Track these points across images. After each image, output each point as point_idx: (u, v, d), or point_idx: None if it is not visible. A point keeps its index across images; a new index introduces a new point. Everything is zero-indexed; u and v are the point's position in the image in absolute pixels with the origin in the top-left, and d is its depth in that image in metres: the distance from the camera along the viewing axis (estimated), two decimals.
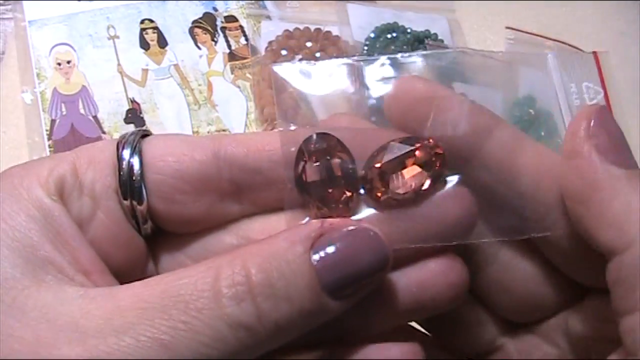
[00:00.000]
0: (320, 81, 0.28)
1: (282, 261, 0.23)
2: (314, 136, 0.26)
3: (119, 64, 0.67)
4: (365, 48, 0.68)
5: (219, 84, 0.68)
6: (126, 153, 0.26)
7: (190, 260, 0.27)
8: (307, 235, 0.24)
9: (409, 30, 0.69)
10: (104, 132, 0.64)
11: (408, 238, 0.25)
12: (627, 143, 0.25)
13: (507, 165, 0.26)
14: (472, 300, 0.30)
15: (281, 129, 0.27)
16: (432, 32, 0.70)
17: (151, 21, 0.70)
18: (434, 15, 0.71)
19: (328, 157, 0.26)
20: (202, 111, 0.66)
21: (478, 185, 0.27)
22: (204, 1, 0.71)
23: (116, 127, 0.65)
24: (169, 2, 0.71)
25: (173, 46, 0.69)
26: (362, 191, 0.26)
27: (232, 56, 0.69)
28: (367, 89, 0.28)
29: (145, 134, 0.27)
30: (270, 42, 0.69)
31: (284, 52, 0.68)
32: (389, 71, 0.28)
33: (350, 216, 0.26)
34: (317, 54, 0.68)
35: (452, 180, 0.26)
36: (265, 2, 0.72)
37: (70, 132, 0.64)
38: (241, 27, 0.71)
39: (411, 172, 0.26)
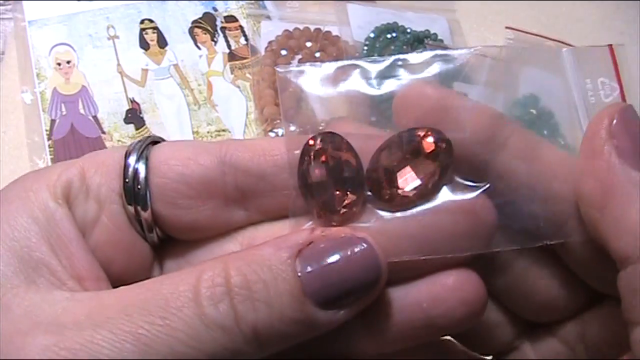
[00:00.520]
0: (323, 83, 0.27)
1: (263, 266, 0.23)
2: (320, 136, 0.25)
3: (118, 64, 0.67)
4: (365, 48, 0.68)
5: (218, 84, 0.68)
6: (132, 159, 0.26)
7: None
8: (295, 243, 0.23)
9: (408, 30, 0.69)
10: (103, 132, 0.64)
11: (418, 248, 0.25)
12: None
13: (523, 172, 0.25)
14: (490, 301, 0.29)
15: (285, 132, 0.27)
16: (432, 32, 0.70)
17: (151, 21, 0.70)
18: (434, 15, 0.71)
19: (333, 157, 0.25)
20: (202, 111, 0.66)
21: (494, 192, 0.26)
22: (203, 1, 0.71)
23: (116, 127, 0.65)
24: (168, 2, 0.71)
25: (173, 46, 0.69)
26: (369, 193, 0.25)
27: (232, 56, 0.69)
28: (370, 90, 0.27)
29: (155, 141, 0.27)
30: (270, 42, 0.69)
31: (283, 52, 0.68)
32: (392, 72, 0.28)
33: (356, 220, 0.25)
34: (317, 54, 0.68)
35: (473, 189, 0.25)
36: (265, 2, 0.72)
37: (70, 132, 0.64)
38: (241, 27, 0.71)
39: (418, 165, 0.25)
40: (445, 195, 0.25)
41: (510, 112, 0.29)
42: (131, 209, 0.26)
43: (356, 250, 0.23)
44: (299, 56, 0.68)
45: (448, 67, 0.29)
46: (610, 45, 0.27)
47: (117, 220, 0.26)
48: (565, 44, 0.67)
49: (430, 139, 0.25)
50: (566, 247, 0.27)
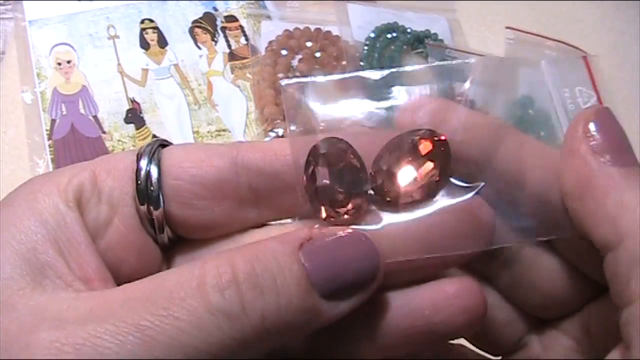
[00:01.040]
0: (329, 96, 0.28)
1: (270, 256, 0.23)
2: (325, 140, 0.26)
3: (119, 64, 0.68)
4: (365, 48, 0.68)
5: (219, 84, 0.68)
6: (144, 162, 0.26)
7: None
8: (296, 237, 0.24)
9: (409, 30, 0.69)
10: (104, 132, 0.64)
11: (422, 247, 0.25)
12: (629, 143, 0.25)
13: (517, 172, 0.27)
14: (499, 298, 0.30)
15: (288, 133, 0.27)
16: (432, 32, 0.70)
17: (151, 21, 0.70)
18: (434, 15, 0.71)
19: (338, 162, 0.25)
20: (202, 111, 0.66)
21: (491, 192, 0.27)
22: (204, 1, 0.71)
23: (116, 127, 0.65)
24: (169, 2, 0.71)
25: (173, 46, 0.69)
26: (371, 192, 0.26)
27: (232, 56, 0.69)
28: (373, 102, 0.28)
29: (164, 144, 0.27)
30: (270, 42, 0.69)
31: (284, 52, 0.68)
32: (394, 82, 0.28)
33: (361, 222, 0.26)
34: (317, 54, 0.68)
35: (469, 189, 0.26)
36: (265, 2, 0.72)
37: (70, 131, 0.64)
38: (241, 27, 0.71)
39: (418, 166, 0.26)
40: (444, 195, 0.26)
41: (511, 112, 0.29)
42: (144, 209, 0.26)
43: (354, 243, 0.24)
44: (299, 56, 0.68)
45: (448, 67, 0.29)
46: (584, 56, 0.29)
47: (130, 222, 0.26)
48: (566, 43, 0.67)
49: (429, 140, 0.26)
50: (562, 242, 0.28)
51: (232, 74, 0.68)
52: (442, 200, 0.26)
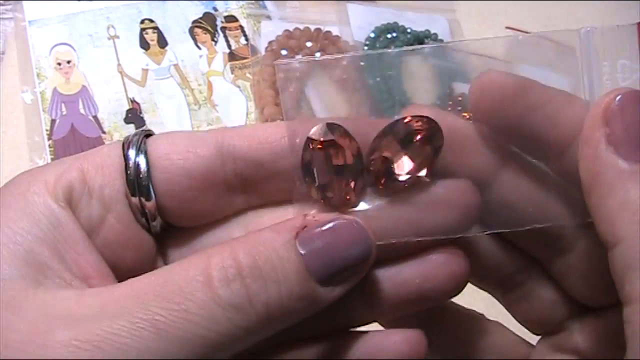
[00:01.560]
0: (323, 78, 0.28)
1: (269, 247, 0.24)
2: (322, 126, 0.26)
3: (119, 64, 0.68)
4: (365, 48, 0.68)
5: (219, 84, 0.68)
6: (132, 153, 0.26)
7: None
8: (292, 227, 0.25)
9: (409, 30, 0.69)
10: (104, 132, 0.64)
11: (412, 230, 0.26)
12: None
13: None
14: (547, 278, 0.30)
15: (285, 118, 0.28)
16: (432, 32, 0.70)
17: (151, 21, 0.70)
18: (434, 15, 0.72)
19: (335, 147, 0.26)
20: (202, 111, 0.66)
21: (485, 180, 0.27)
22: (204, 1, 0.71)
23: (116, 127, 0.65)
24: (169, 2, 0.71)
25: (173, 46, 0.69)
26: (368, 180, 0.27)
27: (232, 56, 0.69)
28: (369, 85, 0.28)
29: (149, 134, 0.28)
30: (270, 42, 0.69)
31: (284, 52, 0.68)
32: (390, 67, 0.28)
33: (356, 206, 0.27)
34: (317, 54, 0.68)
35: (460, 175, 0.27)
36: (265, 2, 0.72)
37: (70, 132, 0.64)
38: (241, 27, 0.71)
39: (411, 151, 0.26)
40: (436, 180, 0.27)
41: None
42: (136, 200, 0.26)
43: (347, 229, 0.25)
44: (299, 56, 0.68)
45: (448, 67, 0.29)
46: (639, 23, 0.26)
47: (124, 218, 0.27)
48: (565, 44, 0.67)
49: (420, 125, 0.26)
50: None
51: (232, 74, 0.68)
52: (434, 184, 0.27)
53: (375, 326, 0.29)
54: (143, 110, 0.66)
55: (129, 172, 0.26)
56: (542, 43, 0.29)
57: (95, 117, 0.65)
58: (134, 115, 0.65)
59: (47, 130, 0.64)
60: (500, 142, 0.27)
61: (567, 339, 0.30)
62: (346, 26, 0.69)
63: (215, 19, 0.71)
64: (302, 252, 0.24)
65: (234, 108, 0.67)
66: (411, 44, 0.69)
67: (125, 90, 0.66)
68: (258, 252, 0.24)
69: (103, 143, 0.64)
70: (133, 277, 0.24)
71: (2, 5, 0.69)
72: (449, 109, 0.28)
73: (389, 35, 0.69)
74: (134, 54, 0.68)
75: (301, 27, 0.69)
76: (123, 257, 0.27)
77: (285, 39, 0.69)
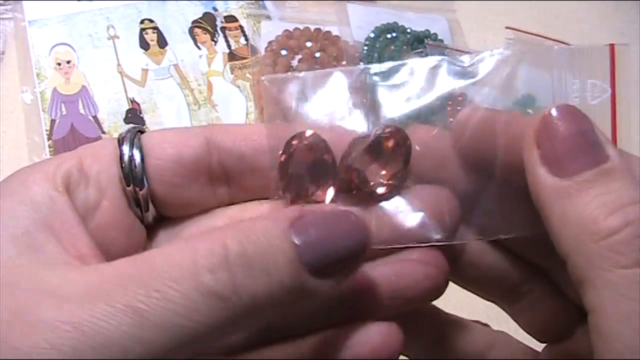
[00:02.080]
0: (310, 95, 0.29)
1: (261, 236, 0.23)
2: (300, 134, 0.27)
3: (119, 64, 0.68)
4: (365, 48, 0.68)
5: (218, 84, 0.68)
6: (126, 147, 0.28)
7: None
8: (287, 216, 0.24)
9: (408, 30, 0.69)
10: (103, 132, 0.64)
11: (390, 237, 0.27)
12: (590, 141, 0.24)
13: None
14: (553, 288, 0.31)
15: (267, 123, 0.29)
16: (432, 32, 0.70)
17: (151, 21, 0.70)
18: (434, 15, 0.72)
19: (311, 155, 0.27)
20: (202, 111, 0.66)
21: (458, 189, 0.28)
22: (204, 1, 0.71)
23: (116, 127, 0.65)
24: (169, 2, 0.71)
25: (173, 46, 0.69)
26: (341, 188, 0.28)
27: (232, 56, 0.69)
28: (352, 100, 0.29)
29: (141, 131, 0.29)
30: (270, 42, 0.69)
31: (283, 52, 0.68)
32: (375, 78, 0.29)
33: None
34: (317, 54, 0.68)
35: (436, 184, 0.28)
36: (265, 2, 0.72)
37: (70, 132, 0.64)
38: (241, 27, 0.71)
39: (384, 161, 0.27)
40: (410, 189, 0.28)
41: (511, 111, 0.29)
42: (130, 189, 0.28)
43: (344, 219, 0.25)
44: (299, 56, 0.68)
45: (447, 67, 0.29)
46: (612, 44, 0.27)
47: (118, 203, 0.28)
48: (566, 44, 0.67)
49: (393, 137, 0.27)
50: None
51: (231, 74, 0.68)
52: (407, 192, 0.27)
53: None
54: (143, 111, 0.66)
55: (123, 165, 0.27)
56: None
57: (95, 117, 0.65)
58: (133, 115, 0.65)
59: (46, 130, 0.64)
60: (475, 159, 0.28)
61: (572, 346, 0.30)
62: (346, 26, 0.69)
63: (215, 19, 0.71)
64: (297, 242, 0.23)
65: (234, 108, 0.67)
66: (411, 44, 0.69)
67: (125, 91, 0.66)
68: (249, 240, 0.23)
69: None
70: None
71: (2, 5, 0.69)
72: (449, 108, 0.29)
73: (388, 35, 0.69)
74: (134, 54, 0.68)
75: (301, 27, 0.69)
76: (115, 240, 0.27)
77: (285, 39, 0.69)
